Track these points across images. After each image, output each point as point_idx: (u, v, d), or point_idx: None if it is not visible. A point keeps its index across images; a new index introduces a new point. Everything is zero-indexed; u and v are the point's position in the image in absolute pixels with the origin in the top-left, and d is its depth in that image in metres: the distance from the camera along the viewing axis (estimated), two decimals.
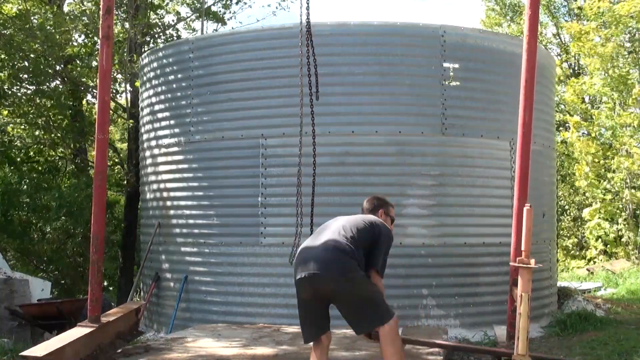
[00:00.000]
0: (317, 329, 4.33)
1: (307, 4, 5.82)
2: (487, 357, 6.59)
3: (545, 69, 9.81)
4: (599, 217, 18.21)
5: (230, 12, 17.03)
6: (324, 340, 4.34)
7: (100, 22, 6.14)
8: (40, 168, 16.38)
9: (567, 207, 21.60)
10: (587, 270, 16.64)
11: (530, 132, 5.91)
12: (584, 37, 18.28)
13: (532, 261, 4.76)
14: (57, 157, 16.35)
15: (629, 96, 17.46)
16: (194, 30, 16.50)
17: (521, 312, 4.60)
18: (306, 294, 4.25)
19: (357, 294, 4.20)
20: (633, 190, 17.62)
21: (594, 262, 17.99)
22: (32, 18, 13.06)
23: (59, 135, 14.52)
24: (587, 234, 19.12)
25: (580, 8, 22.05)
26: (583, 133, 19.78)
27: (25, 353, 5.14)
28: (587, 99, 22.04)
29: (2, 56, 13.93)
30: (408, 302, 8.05)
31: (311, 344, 4.38)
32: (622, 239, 18.13)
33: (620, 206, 17.81)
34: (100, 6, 6.19)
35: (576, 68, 22.63)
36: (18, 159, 15.89)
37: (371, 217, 4.57)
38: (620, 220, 18.01)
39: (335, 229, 4.37)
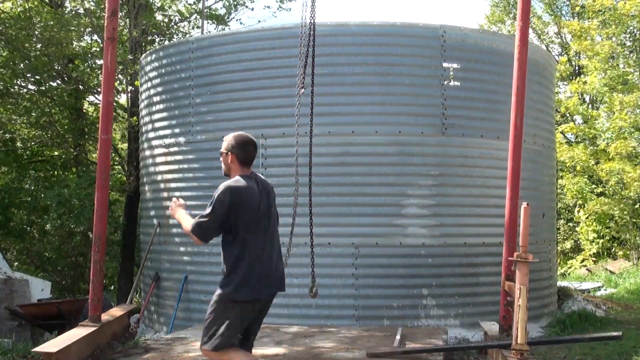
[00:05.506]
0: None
1: (313, 4, 5.78)
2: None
3: (545, 69, 9.81)
4: (593, 219, 18.11)
5: (231, 14, 16.99)
6: None
7: (105, 23, 6.13)
8: (47, 167, 16.35)
9: (561, 209, 21.51)
10: (587, 270, 16.62)
11: (521, 136, 6.12)
12: (584, 36, 18.20)
13: (530, 256, 5.00)
14: (60, 156, 16.31)
15: (612, 103, 17.26)
16: (194, 27, 16.46)
17: (520, 304, 4.82)
18: (260, 309, 4.53)
19: None
20: (630, 193, 17.54)
21: (590, 263, 17.93)
22: (34, 19, 13.03)
23: (61, 132, 14.50)
24: (580, 236, 19.05)
25: (582, 7, 21.94)
26: (581, 140, 19.69)
27: (37, 349, 5.33)
28: (587, 99, 21.98)
29: (4, 54, 13.93)
30: (408, 302, 8.06)
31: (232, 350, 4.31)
32: (621, 239, 18.07)
33: (617, 210, 17.64)
34: (106, 8, 6.19)
35: (577, 67, 22.54)
36: (21, 158, 15.88)
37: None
38: (618, 221, 17.93)
39: (273, 230, 4.50)
